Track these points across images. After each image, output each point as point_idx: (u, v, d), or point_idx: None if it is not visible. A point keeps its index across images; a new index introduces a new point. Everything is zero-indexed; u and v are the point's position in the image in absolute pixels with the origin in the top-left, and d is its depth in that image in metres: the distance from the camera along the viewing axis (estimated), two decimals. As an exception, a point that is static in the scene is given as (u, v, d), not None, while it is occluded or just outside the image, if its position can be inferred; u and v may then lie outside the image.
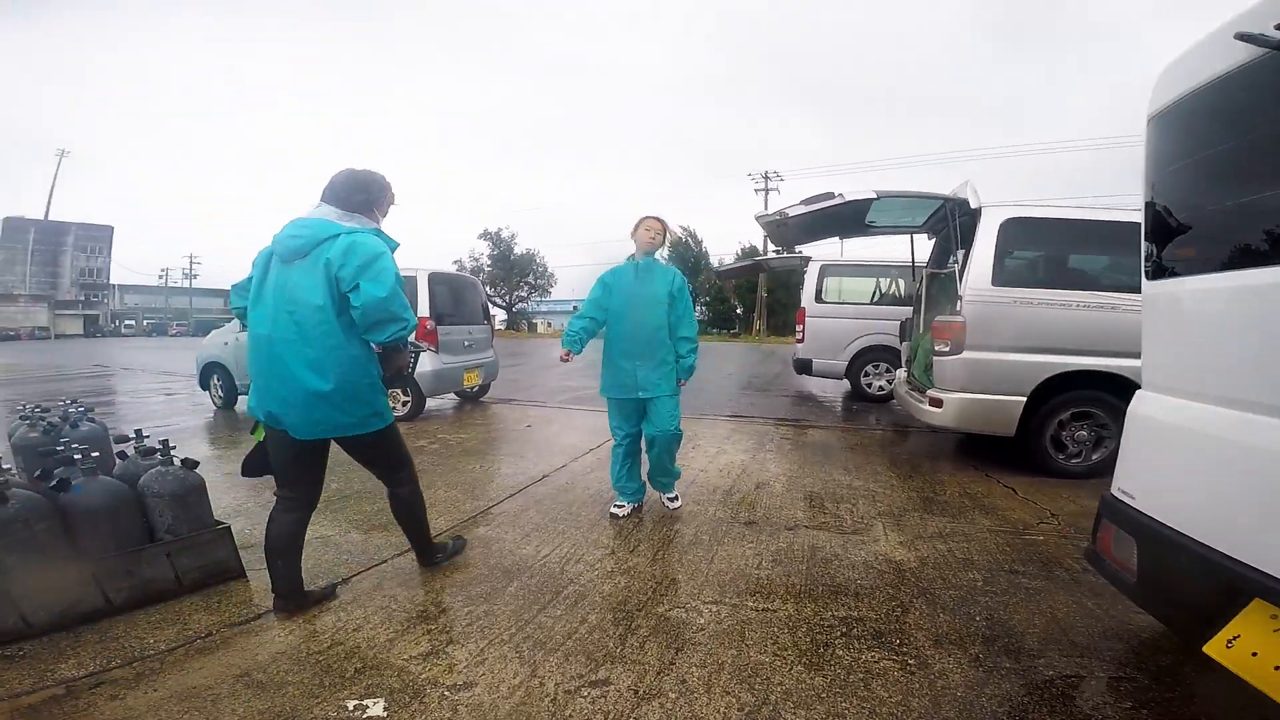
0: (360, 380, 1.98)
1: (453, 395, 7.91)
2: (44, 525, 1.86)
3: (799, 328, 8.11)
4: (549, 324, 49.48)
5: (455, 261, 43.22)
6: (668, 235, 3.18)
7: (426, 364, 6.20)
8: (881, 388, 7.84)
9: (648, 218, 3.14)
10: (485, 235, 44.36)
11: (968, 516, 3.31)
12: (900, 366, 5.91)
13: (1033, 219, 4.10)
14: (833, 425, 6.31)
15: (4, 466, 2.01)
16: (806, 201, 4.77)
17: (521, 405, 7.53)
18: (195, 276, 74.15)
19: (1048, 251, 4.21)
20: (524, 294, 45.40)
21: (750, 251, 38.71)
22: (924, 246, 6.13)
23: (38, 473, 1.95)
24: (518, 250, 44.12)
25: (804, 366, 8.04)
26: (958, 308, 4.06)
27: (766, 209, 11.89)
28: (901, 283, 7.89)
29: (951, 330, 4.08)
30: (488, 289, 41.84)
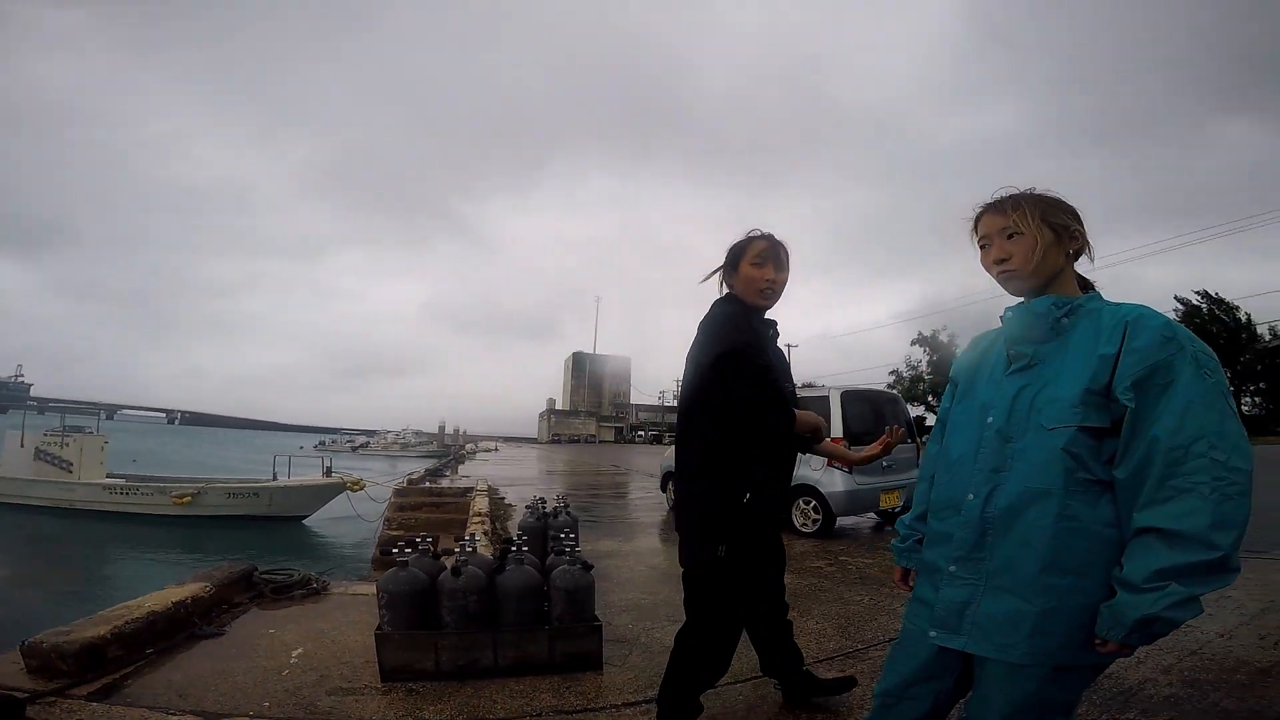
0: None
1: (873, 515, 7.49)
2: (476, 597, 2.53)
3: None
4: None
5: (892, 372, 41.88)
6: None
7: (838, 483, 6.11)
8: None
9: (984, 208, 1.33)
10: (919, 340, 41.83)
11: None
12: None
13: None
14: None
15: (521, 543, 2.86)
16: None
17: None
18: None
19: None
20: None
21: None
22: None
23: (494, 554, 2.73)
24: (960, 352, 39.91)
25: None
26: None
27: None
28: None
29: None
30: (930, 399, 38.81)
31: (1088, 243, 1.28)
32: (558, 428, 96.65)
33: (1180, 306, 32.63)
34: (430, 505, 9.08)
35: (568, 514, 3.95)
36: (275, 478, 14.73)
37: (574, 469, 20.01)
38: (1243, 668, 2.51)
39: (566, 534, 3.06)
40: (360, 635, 2.97)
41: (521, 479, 14.71)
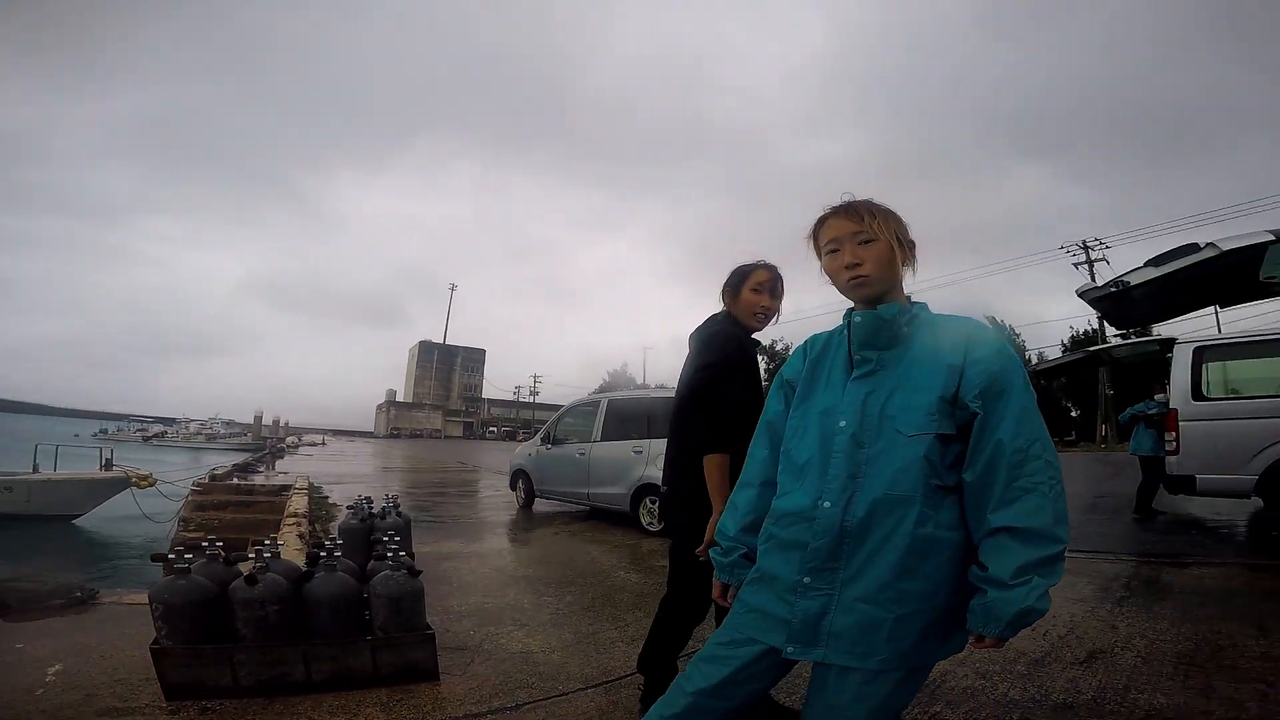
0: None
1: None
2: (277, 607, 2.27)
3: (1170, 435, 6.23)
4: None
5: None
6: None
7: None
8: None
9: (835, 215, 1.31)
10: (760, 349, 45.59)
11: None
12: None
13: None
14: (1234, 562, 4.56)
15: (333, 547, 2.53)
16: (1157, 261, 3.62)
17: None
18: (537, 393, 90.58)
19: None
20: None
21: (1083, 340, 32.10)
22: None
23: (305, 561, 2.44)
24: (791, 353, 44.61)
25: (1184, 484, 6.09)
26: None
27: (1095, 282, 9.39)
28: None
29: None
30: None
31: (914, 256, 1.31)
32: (398, 421, 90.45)
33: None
34: (238, 504, 8.02)
35: (398, 514, 3.65)
36: (36, 470, 12.21)
37: (416, 466, 18.84)
38: (1021, 658, 2.76)
39: (391, 536, 2.81)
40: (139, 650, 2.59)
41: (352, 476, 13.53)
